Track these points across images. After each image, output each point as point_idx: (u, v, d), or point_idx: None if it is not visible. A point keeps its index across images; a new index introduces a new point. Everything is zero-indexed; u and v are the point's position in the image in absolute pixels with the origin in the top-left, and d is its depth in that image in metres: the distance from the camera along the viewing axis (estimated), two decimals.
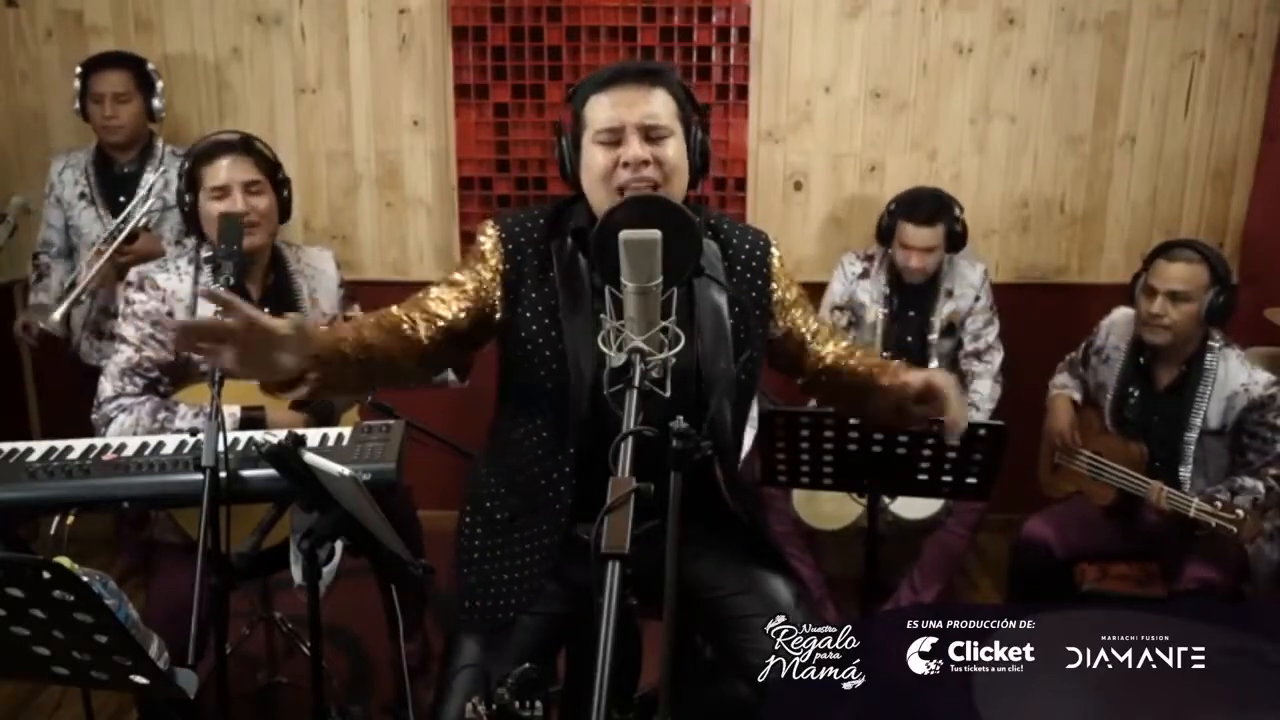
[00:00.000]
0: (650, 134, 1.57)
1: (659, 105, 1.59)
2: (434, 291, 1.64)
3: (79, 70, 3.03)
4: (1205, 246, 2.53)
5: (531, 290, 1.64)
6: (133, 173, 3.08)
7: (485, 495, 1.76)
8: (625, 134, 1.57)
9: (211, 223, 2.20)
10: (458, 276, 1.66)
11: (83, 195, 3.07)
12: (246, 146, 2.27)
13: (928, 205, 2.98)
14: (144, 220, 2.93)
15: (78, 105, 3.05)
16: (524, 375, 1.65)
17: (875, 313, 3.10)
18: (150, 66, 3.09)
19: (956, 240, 3.02)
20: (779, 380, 2.04)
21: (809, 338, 1.80)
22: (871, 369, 1.74)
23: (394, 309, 1.61)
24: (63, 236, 3.13)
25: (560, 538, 1.66)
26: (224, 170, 2.21)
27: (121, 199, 3.05)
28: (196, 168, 2.23)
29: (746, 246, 1.74)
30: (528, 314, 1.64)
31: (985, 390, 3.07)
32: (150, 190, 2.98)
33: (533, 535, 1.69)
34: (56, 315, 2.87)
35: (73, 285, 2.96)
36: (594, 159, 1.59)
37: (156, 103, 3.09)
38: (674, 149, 1.59)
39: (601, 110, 1.59)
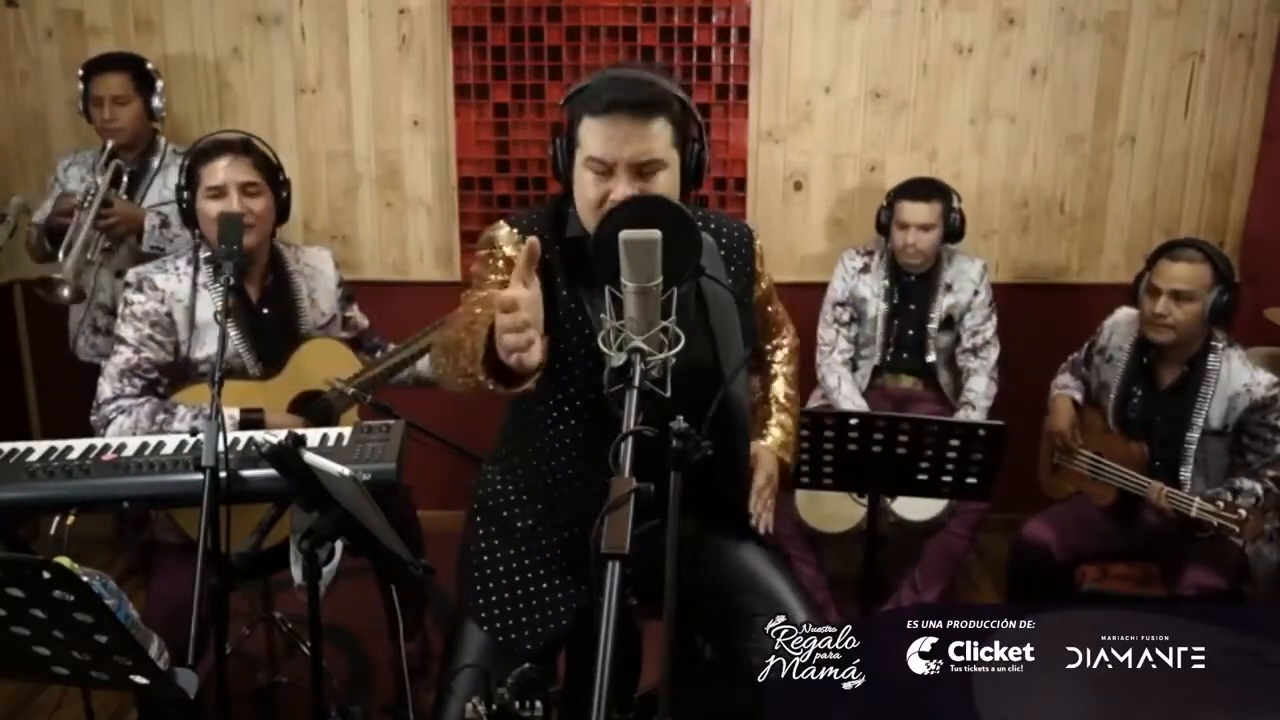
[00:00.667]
0: (642, 170, 1.54)
1: (654, 139, 1.54)
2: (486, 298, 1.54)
3: (81, 73, 3.04)
4: (1208, 246, 2.53)
5: (563, 288, 1.62)
6: (135, 171, 3.08)
7: (502, 505, 1.74)
8: (616, 169, 1.53)
9: (208, 221, 2.21)
10: (502, 280, 1.59)
11: (90, 192, 3.06)
12: (246, 147, 2.27)
13: (923, 185, 3.05)
14: (109, 179, 2.94)
15: (81, 107, 3.06)
16: (557, 373, 1.61)
17: (876, 307, 3.11)
18: (150, 66, 3.09)
19: (954, 230, 3.04)
20: None
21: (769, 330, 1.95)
22: (768, 398, 1.95)
23: (478, 313, 1.51)
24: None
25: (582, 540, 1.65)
26: (221, 170, 2.21)
27: (125, 197, 3.04)
28: (195, 166, 2.24)
29: (737, 235, 1.77)
30: (561, 311, 1.61)
31: (980, 388, 3.07)
32: (107, 153, 2.98)
33: (562, 541, 1.68)
34: (69, 265, 2.84)
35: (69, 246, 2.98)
36: (584, 183, 1.57)
37: (157, 102, 3.09)
38: (664, 182, 1.56)
39: (594, 139, 1.54)
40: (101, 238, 2.94)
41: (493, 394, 1.41)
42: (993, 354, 3.11)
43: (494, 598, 1.70)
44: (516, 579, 1.70)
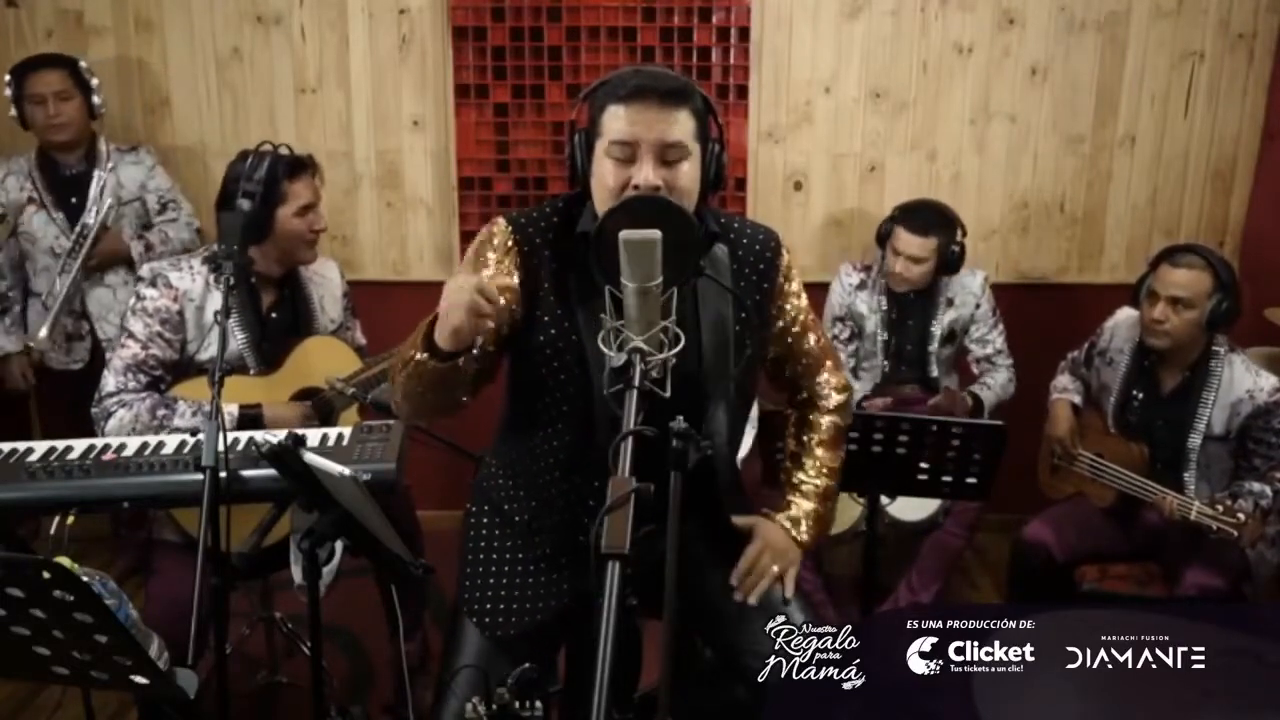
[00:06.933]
0: (666, 156, 1.51)
1: (680, 127, 1.51)
2: None
3: (8, 78, 2.96)
4: (1211, 252, 2.51)
5: (550, 293, 1.60)
6: (80, 173, 3.04)
7: (502, 498, 1.74)
8: (640, 153, 1.50)
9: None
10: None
11: (31, 200, 3.01)
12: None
13: (926, 215, 2.95)
14: (102, 219, 2.95)
15: (13, 112, 2.98)
16: (543, 379, 1.60)
17: (875, 322, 3.10)
18: (83, 65, 3.02)
19: (952, 261, 2.96)
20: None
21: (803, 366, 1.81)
22: (792, 477, 1.81)
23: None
24: (13, 247, 3.07)
25: (571, 539, 1.65)
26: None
27: (73, 200, 3.02)
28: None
29: (756, 247, 1.70)
30: (546, 317, 1.60)
31: (1001, 380, 3.07)
32: (103, 190, 2.99)
33: (555, 538, 1.68)
34: (43, 333, 2.89)
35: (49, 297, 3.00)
36: (605, 173, 1.53)
37: (96, 99, 3.03)
38: (688, 171, 1.53)
39: (618, 122, 1.51)
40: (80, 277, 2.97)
41: (426, 380, 1.47)
42: (1005, 362, 3.09)
43: (479, 581, 1.72)
44: (506, 569, 1.71)
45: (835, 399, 1.83)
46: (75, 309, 3.08)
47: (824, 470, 1.80)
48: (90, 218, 2.95)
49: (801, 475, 1.80)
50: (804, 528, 1.76)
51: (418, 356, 1.45)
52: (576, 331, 1.58)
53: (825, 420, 1.82)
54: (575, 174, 1.60)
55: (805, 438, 1.83)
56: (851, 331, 3.13)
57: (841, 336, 3.12)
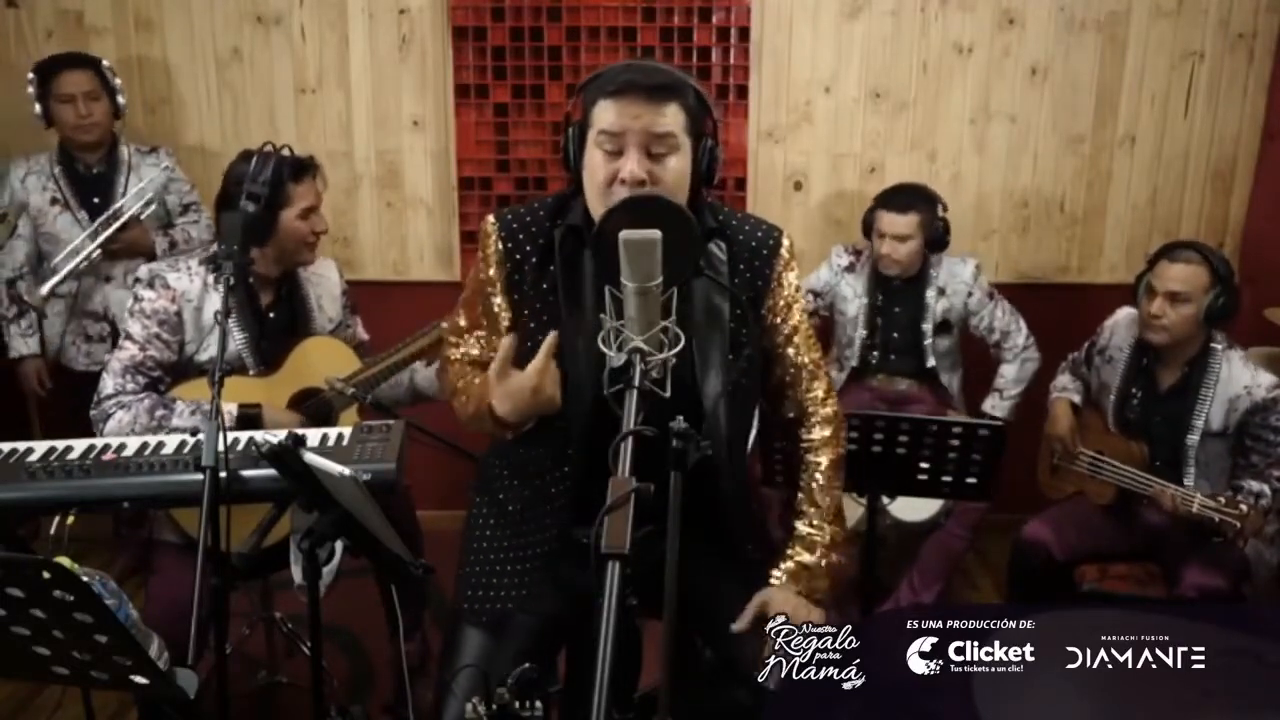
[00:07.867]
0: (653, 148, 1.52)
1: (669, 119, 1.52)
2: (473, 331, 1.75)
3: (31, 76, 2.95)
4: (1208, 249, 2.52)
5: (530, 289, 1.64)
6: (102, 173, 3.04)
7: (499, 487, 1.77)
8: (626, 144, 1.51)
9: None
10: (481, 279, 1.69)
11: (55, 200, 3.01)
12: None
13: (905, 194, 3.00)
14: (136, 212, 2.95)
15: (39, 111, 2.96)
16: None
17: (857, 306, 3.10)
18: (105, 64, 3.02)
19: (937, 238, 3.00)
20: None
21: (792, 386, 1.75)
22: (805, 495, 1.72)
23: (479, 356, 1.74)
24: (32, 245, 3.06)
25: (560, 536, 1.67)
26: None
27: (96, 200, 3.01)
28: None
29: (753, 244, 1.69)
30: (526, 311, 1.64)
31: (1010, 374, 3.08)
32: (129, 189, 3.00)
33: (541, 528, 1.70)
34: (45, 289, 2.87)
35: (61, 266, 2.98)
36: (594, 164, 1.55)
37: (120, 100, 3.02)
38: (675, 165, 1.53)
39: (606, 116, 1.53)
40: (98, 253, 2.95)
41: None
42: (1018, 339, 3.09)
43: (475, 568, 1.75)
44: (491, 557, 1.75)
45: (825, 429, 1.74)
46: (96, 311, 3.08)
47: (829, 517, 1.71)
48: (125, 202, 2.95)
49: (805, 527, 1.71)
50: (816, 575, 1.68)
51: (501, 435, 1.65)
52: (558, 324, 1.60)
53: (821, 459, 1.74)
54: (568, 164, 1.63)
55: (804, 483, 1.73)
56: (818, 308, 3.14)
57: (808, 307, 3.11)
